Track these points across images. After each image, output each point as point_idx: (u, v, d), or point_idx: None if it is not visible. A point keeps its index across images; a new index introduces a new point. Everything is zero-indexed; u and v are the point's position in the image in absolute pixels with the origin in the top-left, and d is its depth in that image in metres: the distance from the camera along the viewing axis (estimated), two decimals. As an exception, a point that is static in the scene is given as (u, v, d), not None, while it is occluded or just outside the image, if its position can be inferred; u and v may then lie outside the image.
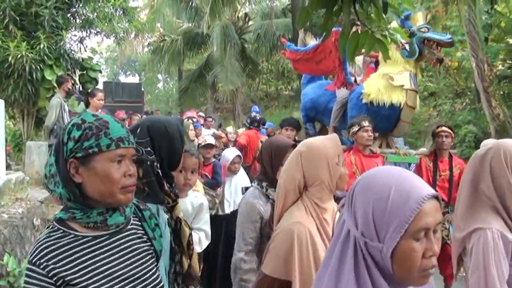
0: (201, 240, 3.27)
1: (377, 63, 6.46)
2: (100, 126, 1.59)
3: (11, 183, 6.21)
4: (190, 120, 8.98)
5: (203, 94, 25.06)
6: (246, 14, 23.39)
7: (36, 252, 1.53)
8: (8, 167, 7.66)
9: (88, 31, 9.96)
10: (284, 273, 2.16)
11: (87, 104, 7.32)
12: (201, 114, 14.40)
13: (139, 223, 1.78)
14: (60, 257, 1.53)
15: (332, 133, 6.30)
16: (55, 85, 8.03)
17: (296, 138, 6.27)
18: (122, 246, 1.66)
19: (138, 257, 1.71)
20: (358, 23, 2.44)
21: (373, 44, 2.46)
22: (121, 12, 10.25)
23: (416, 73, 5.99)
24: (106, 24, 9.84)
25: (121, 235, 1.68)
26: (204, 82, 23.04)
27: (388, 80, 5.81)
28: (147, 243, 1.77)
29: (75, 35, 10.07)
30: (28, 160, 8.02)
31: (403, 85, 5.79)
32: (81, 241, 1.58)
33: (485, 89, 11.01)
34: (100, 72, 10.78)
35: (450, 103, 13.92)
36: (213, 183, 5.40)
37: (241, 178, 5.40)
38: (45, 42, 8.57)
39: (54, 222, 1.62)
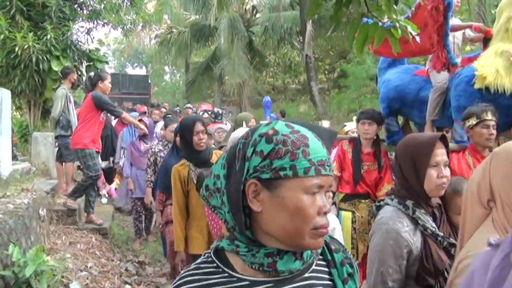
0: None
1: (485, 41, 5.16)
2: (297, 142, 1.16)
3: (18, 173, 6.22)
4: (206, 114, 8.75)
5: (210, 86, 25.07)
6: (253, 7, 23.30)
7: (178, 283, 1.23)
8: (14, 157, 7.68)
9: (95, 22, 9.96)
10: None
11: (90, 90, 6.52)
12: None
13: (326, 270, 1.29)
14: None
15: (429, 129, 5.20)
16: (61, 76, 8.03)
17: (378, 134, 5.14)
18: None
19: None
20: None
21: (383, 35, 2.42)
22: (128, 3, 10.25)
23: None
24: (113, 15, 9.84)
25: (292, 285, 1.21)
26: (211, 74, 23.03)
27: (510, 58, 4.49)
28: None
29: (82, 27, 10.07)
30: (35, 151, 8.05)
31: None
32: (234, 285, 1.19)
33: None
34: (107, 63, 10.79)
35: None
36: None
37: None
38: (52, 33, 8.57)
39: (211, 252, 1.26)
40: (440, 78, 5.09)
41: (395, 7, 2.33)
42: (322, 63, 25.09)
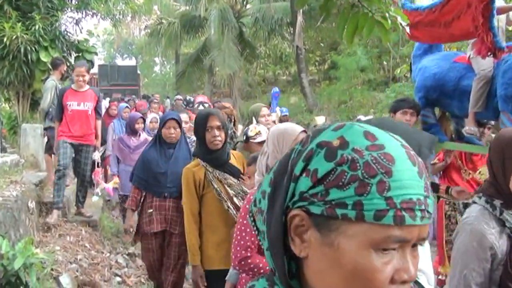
0: None
1: None
2: (374, 165, 0.73)
3: (6, 165, 6.18)
4: (201, 106, 8.67)
5: (200, 78, 24.97)
6: (244, -3, 23.22)
7: None
8: (3, 149, 7.63)
9: (84, 13, 9.87)
10: None
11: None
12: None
13: None
14: None
15: (472, 122, 4.71)
16: (50, 67, 7.96)
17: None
18: None
19: None
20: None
21: (373, 26, 2.41)
22: (118, -7, 10.17)
23: None
24: (102, 5, 9.75)
25: None
26: (201, 66, 22.91)
27: None
28: None
29: (71, 17, 9.99)
30: (24, 143, 7.98)
31: None
32: None
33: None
34: (96, 54, 10.70)
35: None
36: None
37: None
38: (41, 23, 8.48)
39: None
40: (485, 64, 4.52)
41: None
42: (312, 54, 25.07)
